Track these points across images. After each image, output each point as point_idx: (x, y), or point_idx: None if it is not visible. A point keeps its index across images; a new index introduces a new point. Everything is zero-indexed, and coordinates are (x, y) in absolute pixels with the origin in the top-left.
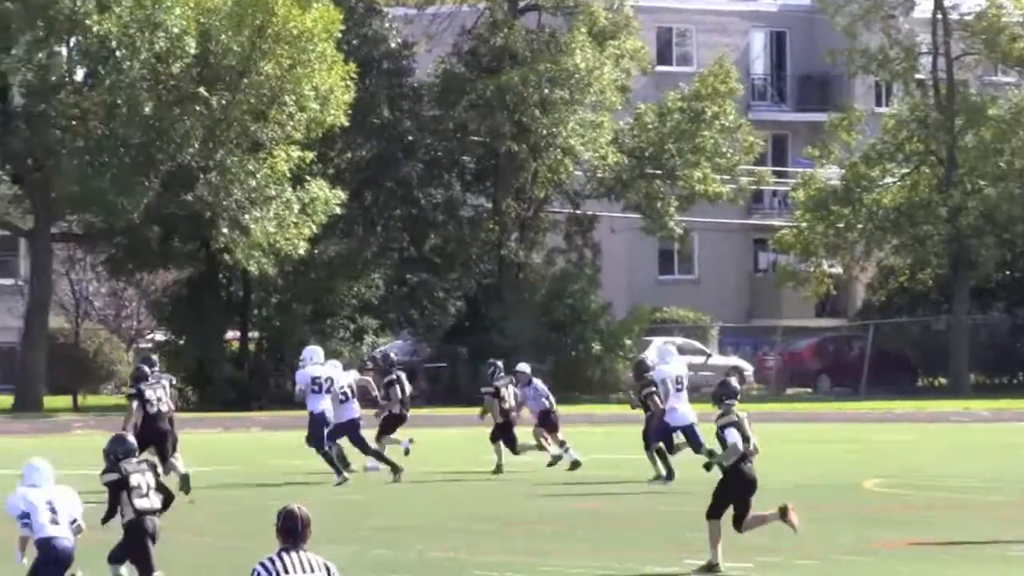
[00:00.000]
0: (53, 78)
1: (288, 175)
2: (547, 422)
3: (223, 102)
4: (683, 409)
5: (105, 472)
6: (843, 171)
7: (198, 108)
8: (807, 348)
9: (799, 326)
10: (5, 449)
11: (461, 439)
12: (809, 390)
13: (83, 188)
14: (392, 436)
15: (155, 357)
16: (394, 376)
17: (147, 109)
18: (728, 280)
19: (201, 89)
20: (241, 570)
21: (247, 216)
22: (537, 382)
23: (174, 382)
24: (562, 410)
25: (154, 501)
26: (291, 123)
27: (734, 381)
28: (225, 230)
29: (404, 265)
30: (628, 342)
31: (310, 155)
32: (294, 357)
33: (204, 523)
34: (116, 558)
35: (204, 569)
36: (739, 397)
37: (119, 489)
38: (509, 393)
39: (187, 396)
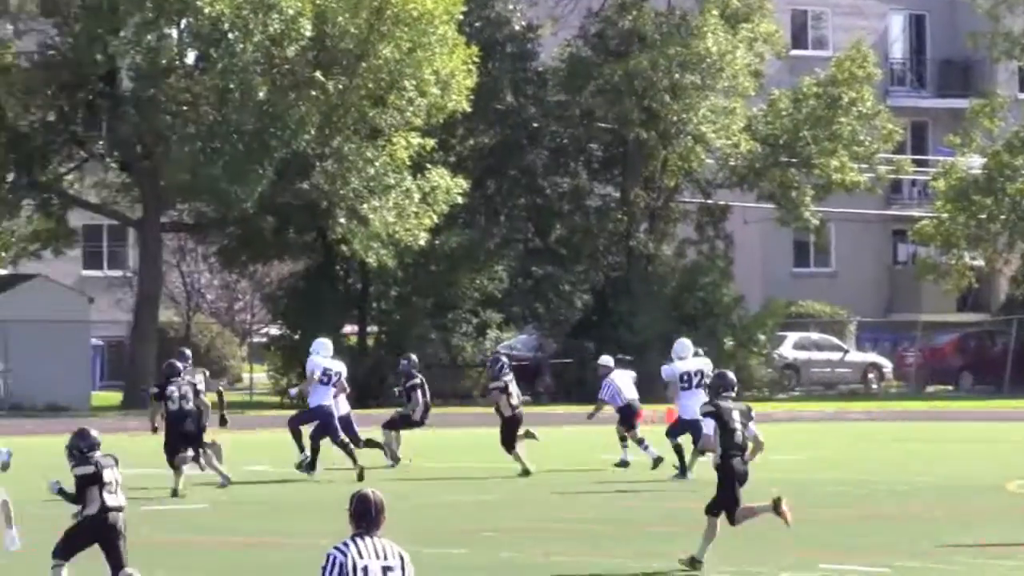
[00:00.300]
0: (163, 61)
1: (408, 163)
2: (625, 418)
3: (340, 87)
4: (692, 405)
5: (77, 466)
6: (985, 159)
7: (314, 93)
8: (948, 344)
9: (940, 321)
10: (115, 447)
11: (592, 435)
12: (950, 388)
13: (194, 176)
14: (396, 433)
15: (188, 351)
16: (417, 380)
17: (261, 94)
18: (866, 273)
19: (317, 73)
20: None
21: (365, 205)
22: (614, 376)
23: (207, 374)
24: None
25: (120, 498)
26: (411, 109)
27: (730, 374)
28: (342, 220)
29: (529, 257)
30: (762, 337)
31: (431, 142)
32: (416, 352)
33: (318, 524)
34: (60, 553)
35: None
36: (735, 389)
37: (91, 483)
38: (516, 389)
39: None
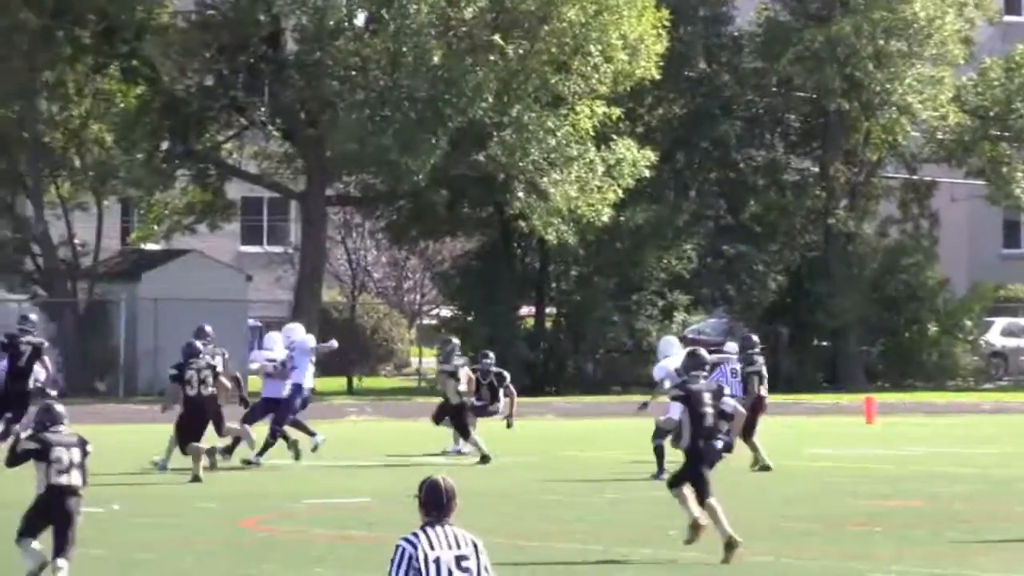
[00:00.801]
0: (330, 23)
1: (592, 133)
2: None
3: (520, 51)
4: None
5: (28, 438)
6: None
7: (492, 58)
8: None
9: None
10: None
11: (782, 427)
12: None
13: (362, 146)
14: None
15: (208, 328)
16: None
17: (435, 58)
18: None
19: (496, 37)
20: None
21: (545, 179)
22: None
23: (227, 355)
24: (893, 398)
25: (74, 478)
26: (596, 76)
27: (702, 351)
28: (521, 194)
29: (720, 235)
30: (968, 323)
31: (617, 111)
32: (597, 336)
33: (491, 519)
34: (23, 532)
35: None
36: (708, 368)
37: (36, 458)
38: (465, 375)
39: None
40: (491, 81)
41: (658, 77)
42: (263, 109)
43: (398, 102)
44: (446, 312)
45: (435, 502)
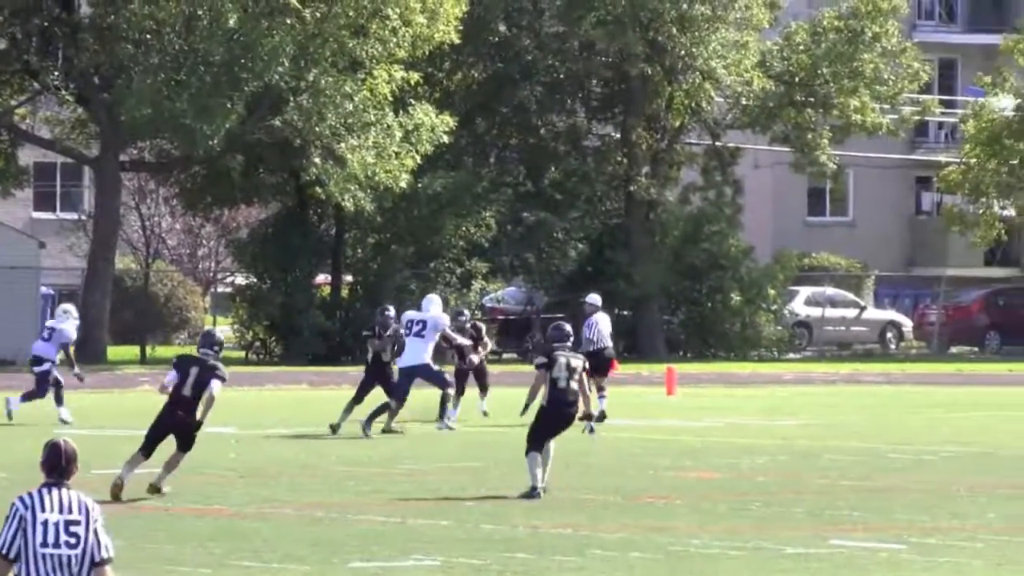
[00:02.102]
0: None
1: (390, 98)
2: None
3: (317, 15)
4: None
5: None
6: (1019, 101)
7: (289, 22)
8: (974, 301)
9: (966, 276)
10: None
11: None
12: (975, 349)
13: (156, 110)
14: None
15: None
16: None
17: (231, 22)
18: (886, 223)
19: (293, 0)
20: (320, 540)
21: (342, 144)
22: (599, 318)
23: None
24: (694, 368)
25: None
26: (394, 40)
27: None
28: (317, 160)
29: (519, 202)
30: (772, 292)
31: (415, 76)
32: (394, 304)
33: (286, 493)
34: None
35: (283, 541)
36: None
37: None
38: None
39: (270, 348)
40: (288, 45)
41: (457, 41)
42: (56, 73)
43: (193, 66)
44: (241, 280)
45: (53, 464)
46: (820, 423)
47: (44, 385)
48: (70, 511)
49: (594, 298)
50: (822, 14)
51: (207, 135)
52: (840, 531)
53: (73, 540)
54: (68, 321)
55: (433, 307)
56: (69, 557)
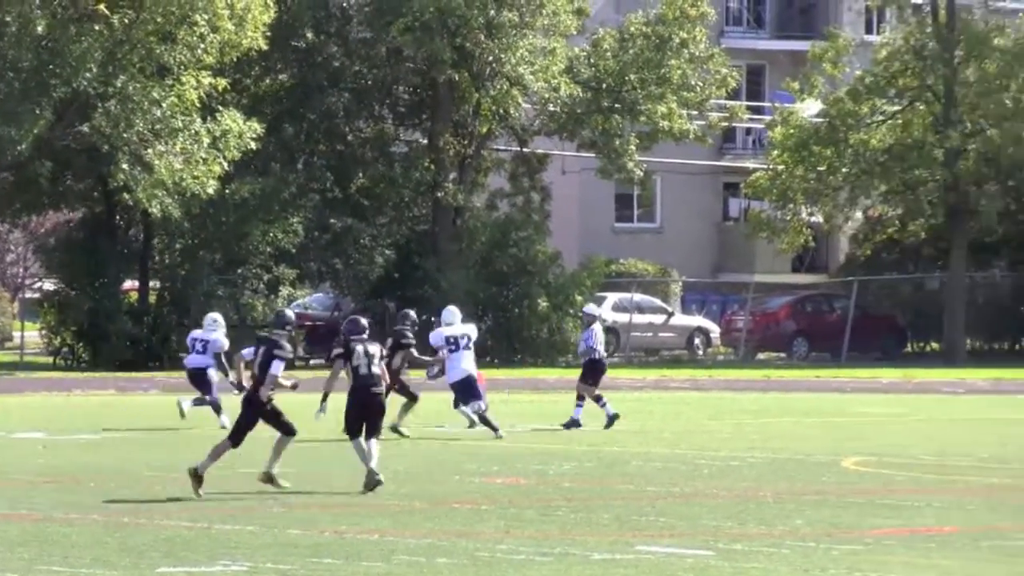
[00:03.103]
0: None
1: (197, 104)
2: (592, 375)
3: (125, 21)
4: (459, 365)
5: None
6: (826, 107)
7: (97, 27)
8: (782, 308)
9: (773, 282)
10: None
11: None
12: (783, 355)
13: None
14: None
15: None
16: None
17: (39, 28)
18: (694, 229)
19: (101, 6)
20: (128, 546)
21: (150, 151)
22: (597, 328)
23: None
24: (502, 375)
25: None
26: (202, 46)
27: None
28: (125, 166)
29: (327, 208)
30: (579, 298)
31: (223, 82)
32: (201, 311)
33: (93, 499)
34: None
35: (91, 546)
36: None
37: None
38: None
39: (78, 353)
40: (96, 51)
41: (265, 48)
42: None
43: (1, 72)
44: (49, 285)
45: None
46: (627, 429)
47: (210, 387)
48: None
49: (592, 308)
50: (629, 20)
51: (15, 140)
52: (647, 537)
53: None
54: (218, 331)
55: (456, 317)
56: None
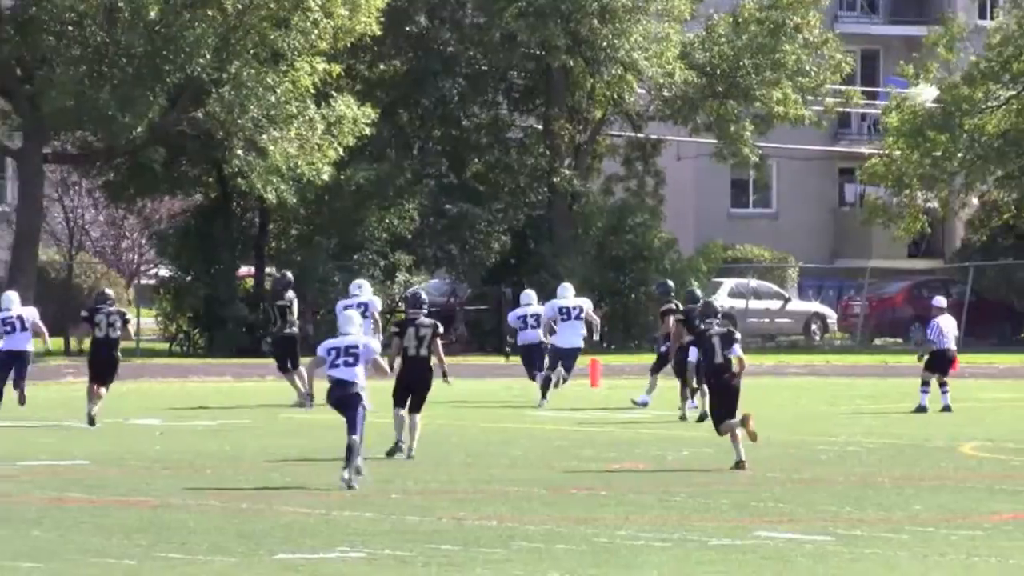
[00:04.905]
0: None
1: (312, 90)
2: (939, 364)
3: (239, 6)
4: (568, 335)
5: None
6: (941, 92)
7: (211, 13)
8: (898, 293)
9: (889, 268)
10: None
11: (503, 388)
12: (899, 341)
13: (79, 102)
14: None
15: (109, 291)
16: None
17: (152, 13)
18: (810, 215)
19: None
20: (245, 532)
21: (265, 136)
22: (942, 320)
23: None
24: (618, 360)
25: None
26: (316, 31)
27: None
28: (240, 152)
29: (442, 194)
30: (695, 284)
31: (337, 68)
32: (318, 297)
33: (210, 485)
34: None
35: (209, 532)
36: (719, 315)
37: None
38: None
39: (194, 340)
40: (209, 37)
41: (379, 33)
42: None
43: (115, 58)
44: (165, 272)
45: None
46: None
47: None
48: None
49: (939, 300)
50: (743, 5)
51: (129, 126)
52: (765, 523)
53: None
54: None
55: (570, 292)
56: None
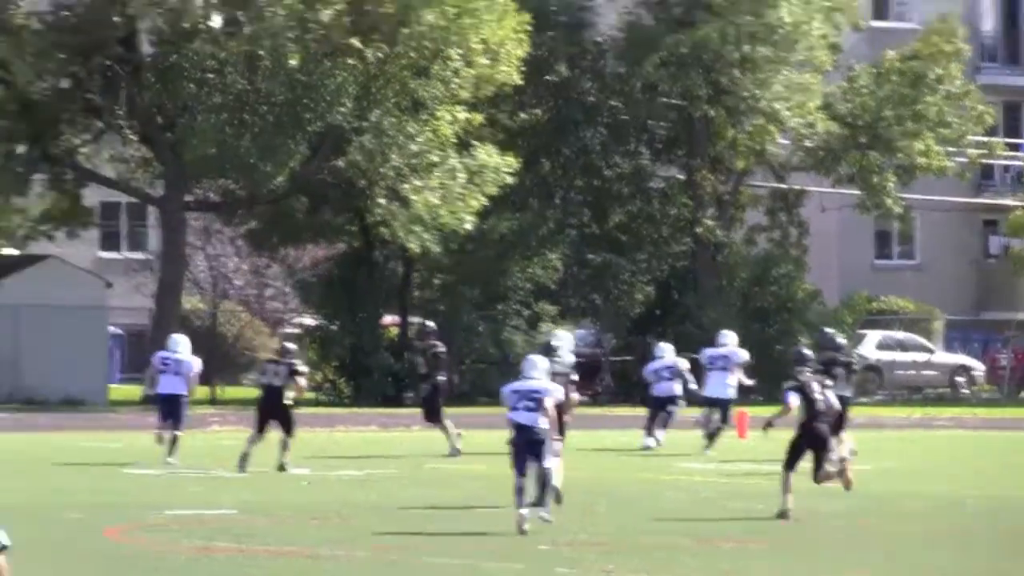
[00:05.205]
0: (186, 24)
1: (453, 139)
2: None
3: (379, 55)
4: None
5: None
6: None
7: (351, 61)
8: None
9: None
10: (135, 446)
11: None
12: None
13: (220, 150)
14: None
15: (291, 345)
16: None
17: (293, 62)
18: (954, 266)
19: (355, 40)
20: None
21: (407, 185)
22: None
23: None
24: (765, 411)
25: None
26: (456, 80)
27: (806, 350)
28: (382, 201)
29: (585, 244)
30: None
31: (478, 117)
32: (462, 346)
33: (359, 535)
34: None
35: None
36: (810, 364)
37: None
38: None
39: (340, 388)
40: (350, 85)
41: (520, 82)
42: (120, 112)
43: (256, 106)
44: (309, 320)
45: None
46: (894, 467)
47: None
48: None
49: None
50: (885, 56)
51: (270, 175)
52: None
53: None
54: None
55: (730, 340)
56: None
